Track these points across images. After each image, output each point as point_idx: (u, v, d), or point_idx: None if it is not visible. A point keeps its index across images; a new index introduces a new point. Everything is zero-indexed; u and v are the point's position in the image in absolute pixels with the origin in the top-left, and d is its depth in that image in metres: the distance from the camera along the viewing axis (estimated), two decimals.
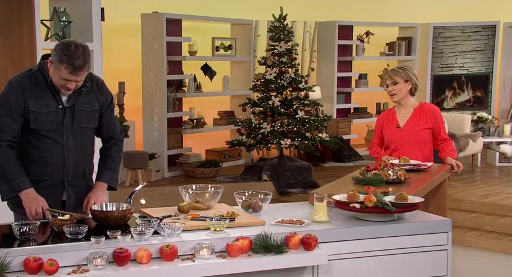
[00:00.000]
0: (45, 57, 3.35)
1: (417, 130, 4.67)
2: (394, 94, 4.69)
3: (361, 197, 3.30)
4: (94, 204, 3.30)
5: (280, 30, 8.22)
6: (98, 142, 3.58)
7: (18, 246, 2.78)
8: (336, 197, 3.33)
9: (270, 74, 8.11)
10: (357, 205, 3.23)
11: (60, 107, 3.31)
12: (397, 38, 10.96)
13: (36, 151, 3.31)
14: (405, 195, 3.34)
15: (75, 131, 3.36)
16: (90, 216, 3.25)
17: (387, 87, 4.73)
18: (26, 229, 2.86)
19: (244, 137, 8.14)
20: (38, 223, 2.90)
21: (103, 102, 3.47)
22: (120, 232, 2.84)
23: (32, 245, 2.79)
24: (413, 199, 3.35)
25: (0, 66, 5.38)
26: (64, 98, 3.32)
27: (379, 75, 10.81)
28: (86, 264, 2.70)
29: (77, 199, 3.42)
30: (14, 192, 3.26)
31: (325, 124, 8.41)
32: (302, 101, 8.13)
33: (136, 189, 3.44)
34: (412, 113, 4.72)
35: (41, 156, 3.31)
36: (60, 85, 3.25)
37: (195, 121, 8.93)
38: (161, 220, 3.07)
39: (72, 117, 3.34)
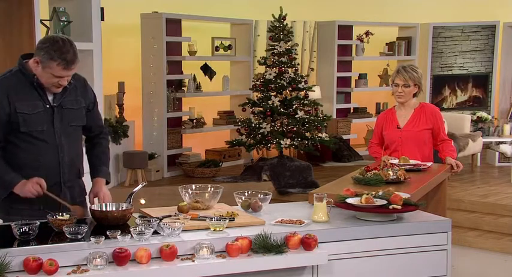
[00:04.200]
0: (24, 56, 3.27)
1: (417, 130, 4.67)
2: (402, 96, 4.67)
3: (376, 201, 3.29)
4: (104, 200, 3.31)
5: (279, 30, 8.22)
6: None
7: (18, 246, 2.77)
8: (350, 201, 3.30)
9: (270, 74, 8.11)
10: (398, 207, 3.22)
11: (48, 106, 3.22)
12: (397, 37, 10.96)
13: (28, 156, 3.21)
14: (392, 191, 3.35)
15: (66, 130, 3.29)
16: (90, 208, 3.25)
17: (395, 86, 4.68)
18: (25, 229, 2.85)
19: (244, 136, 8.13)
20: (38, 223, 2.90)
21: (89, 100, 3.42)
22: (119, 232, 2.84)
23: (32, 245, 2.78)
24: (401, 195, 3.35)
25: None
26: (50, 97, 3.23)
27: (378, 75, 10.81)
28: (86, 264, 2.69)
29: (72, 200, 3.37)
30: (7, 190, 3.19)
31: (325, 124, 8.41)
32: (302, 101, 8.13)
33: (136, 189, 3.44)
34: (412, 113, 4.72)
35: (33, 159, 3.22)
36: (51, 83, 3.16)
37: (194, 121, 8.93)
38: (161, 220, 3.06)
39: (61, 116, 3.27)
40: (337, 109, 10.20)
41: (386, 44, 10.75)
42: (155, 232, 2.93)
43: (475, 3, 11.20)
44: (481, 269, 5.81)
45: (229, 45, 9.29)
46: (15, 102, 3.15)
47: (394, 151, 4.69)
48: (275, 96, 8.06)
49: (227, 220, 3.06)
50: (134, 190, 3.41)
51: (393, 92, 4.73)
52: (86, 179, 3.52)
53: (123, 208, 3.17)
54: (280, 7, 8.23)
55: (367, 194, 3.30)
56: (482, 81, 10.98)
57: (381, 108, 10.70)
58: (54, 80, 3.15)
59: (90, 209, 3.18)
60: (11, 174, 3.18)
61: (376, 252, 3.19)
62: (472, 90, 10.97)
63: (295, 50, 8.39)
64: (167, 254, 2.79)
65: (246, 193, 3.53)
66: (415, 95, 4.73)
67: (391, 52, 10.71)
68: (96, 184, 3.43)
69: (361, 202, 3.26)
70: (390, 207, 3.23)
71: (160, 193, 7.05)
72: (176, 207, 3.33)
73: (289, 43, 8.27)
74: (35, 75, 3.18)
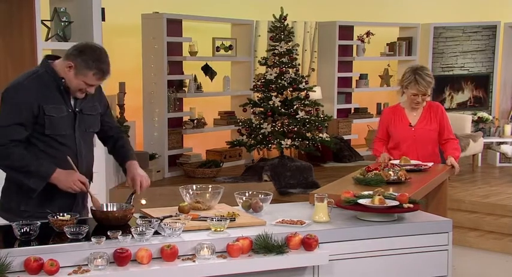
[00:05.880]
0: (49, 57, 3.28)
1: (430, 129, 4.69)
2: (420, 103, 4.69)
3: (393, 201, 3.30)
4: (141, 184, 3.35)
5: (280, 31, 8.22)
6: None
7: (19, 246, 2.77)
8: (363, 202, 3.29)
9: (271, 74, 8.11)
10: (411, 205, 3.27)
11: (70, 111, 3.24)
12: (398, 38, 10.96)
13: (49, 159, 3.20)
14: (383, 191, 3.35)
15: (83, 135, 3.32)
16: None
17: (414, 95, 4.65)
18: (26, 230, 2.85)
19: (244, 137, 8.14)
20: (39, 223, 2.90)
21: (104, 105, 3.47)
22: (120, 232, 2.84)
23: (33, 245, 2.79)
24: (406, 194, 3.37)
25: (0, 67, 5.39)
26: (72, 102, 3.25)
27: (379, 76, 10.80)
28: (87, 264, 2.70)
29: (82, 204, 3.41)
30: (45, 181, 3.16)
31: (326, 124, 8.41)
32: (302, 101, 8.13)
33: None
34: (422, 111, 4.73)
35: (54, 164, 3.20)
36: (79, 90, 3.19)
37: (195, 121, 8.93)
38: (162, 220, 3.07)
39: (81, 121, 3.29)
40: (337, 109, 10.19)
41: (387, 44, 10.74)
42: (156, 233, 2.93)
43: (476, 3, 11.20)
44: (481, 269, 5.81)
45: (230, 45, 9.29)
46: (43, 104, 3.15)
47: (407, 149, 4.68)
48: (276, 97, 8.06)
49: (228, 221, 3.06)
50: (134, 190, 3.41)
51: (410, 100, 4.70)
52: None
53: (124, 209, 3.17)
54: (281, 7, 8.23)
55: (379, 195, 3.30)
56: (483, 81, 10.97)
57: (382, 108, 10.69)
58: (83, 87, 3.18)
59: (91, 209, 3.18)
60: (43, 165, 3.16)
61: (377, 252, 3.19)
62: (472, 90, 10.97)
63: (296, 50, 8.38)
64: (168, 254, 2.79)
65: (247, 194, 3.53)
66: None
67: (392, 52, 10.71)
68: (131, 168, 3.45)
69: (373, 203, 3.25)
70: (405, 206, 3.24)
71: (161, 193, 7.05)
72: (177, 207, 3.33)
73: (290, 43, 8.27)
74: (62, 79, 3.18)
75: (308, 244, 2.97)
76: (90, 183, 3.41)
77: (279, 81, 8.06)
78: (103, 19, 6.21)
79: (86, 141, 3.35)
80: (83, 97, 3.24)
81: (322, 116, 8.26)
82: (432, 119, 4.72)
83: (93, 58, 3.11)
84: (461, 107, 10.89)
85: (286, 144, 7.91)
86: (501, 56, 10.96)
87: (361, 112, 10.51)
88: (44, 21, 5.54)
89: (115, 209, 3.20)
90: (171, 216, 3.21)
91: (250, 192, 3.56)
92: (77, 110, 3.26)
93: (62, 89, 3.20)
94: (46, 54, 3.37)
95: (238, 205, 3.49)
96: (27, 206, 3.25)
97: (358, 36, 10.28)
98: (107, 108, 3.50)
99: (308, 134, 8.02)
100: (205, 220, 3.12)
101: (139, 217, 3.20)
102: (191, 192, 3.45)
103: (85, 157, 3.34)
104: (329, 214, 3.27)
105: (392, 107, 4.92)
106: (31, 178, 3.16)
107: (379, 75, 10.81)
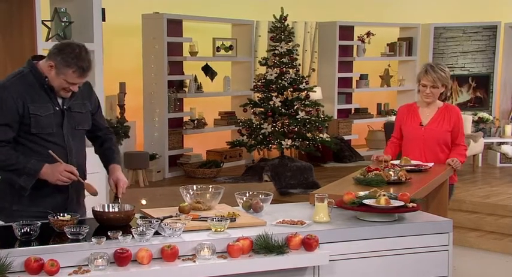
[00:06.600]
0: (34, 58, 3.31)
1: (441, 131, 4.64)
2: (430, 96, 4.65)
3: (397, 201, 3.30)
4: (122, 189, 3.36)
5: (281, 31, 8.23)
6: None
7: (19, 246, 2.77)
8: (368, 202, 3.29)
9: (271, 75, 8.11)
10: (415, 205, 3.29)
11: (57, 109, 3.26)
12: (398, 38, 10.96)
13: (38, 157, 3.21)
14: (379, 192, 3.34)
15: (73, 133, 3.33)
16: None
17: (423, 86, 4.63)
18: (26, 230, 2.85)
19: (245, 137, 8.14)
20: (39, 223, 2.90)
21: (94, 104, 3.47)
22: (121, 232, 2.83)
23: (33, 245, 2.78)
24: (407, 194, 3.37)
25: (0, 67, 5.38)
26: (60, 100, 3.27)
27: (380, 76, 10.81)
28: (87, 265, 2.69)
29: (77, 201, 3.41)
30: (34, 178, 3.18)
31: (326, 124, 8.42)
32: (303, 102, 8.14)
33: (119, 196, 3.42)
34: (436, 111, 4.69)
35: (43, 161, 3.21)
36: (62, 88, 3.21)
37: (195, 121, 8.94)
38: (162, 220, 3.06)
39: (70, 119, 3.30)
40: (338, 109, 10.19)
41: (388, 44, 10.75)
42: (156, 233, 2.93)
43: (476, 3, 11.19)
44: (482, 270, 5.81)
45: (230, 45, 9.30)
46: (28, 103, 3.17)
47: (414, 149, 4.65)
48: (276, 97, 8.06)
49: (228, 221, 3.06)
50: (117, 195, 3.40)
51: (420, 92, 4.69)
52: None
53: (127, 210, 3.17)
54: (281, 8, 8.23)
55: (384, 195, 3.29)
56: (484, 81, 10.97)
57: (382, 108, 10.70)
58: (65, 86, 3.19)
59: (93, 210, 3.18)
60: (30, 162, 3.18)
61: (378, 253, 3.19)
62: (473, 90, 10.97)
63: (296, 50, 8.39)
64: (168, 255, 2.79)
65: (247, 194, 3.53)
66: (445, 98, 4.71)
67: (392, 53, 10.71)
68: (113, 170, 3.46)
69: (378, 204, 3.24)
70: (410, 205, 3.24)
71: (161, 193, 7.06)
72: (177, 207, 3.33)
73: (290, 44, 8.28)
74: (46, 78, 3.21)
75: (308, 244, 2.97)
76: (84, 180, 3.41)
77: (280, 81, 8.06)
78: (103, 19, 6.21)
79: (75, 139, 3.35)
80: (68, 96, 3.26)
81: (322, 116, 8.26)
82: (445, 120, 4.66)
83: (72, 56, 3.12)
84: (462, 107, 10.84)
85: (287, 144, 7.91)
86: (501, 56, 10.96)
87: (362, 112, 10.51)
88: (44, 21, 5.54)
89: (117, 210, 3.20)
90: (171, 216, 3.20)
91: (250, 193, 3.55)
92: (64, 107, 3.28)
93: (47, 88, 3.22)
94: (32, 55, 3.37)
95: (238, 206, 3.48)
96: (19, 205, 3.26)
97: (358, 37, 10.28)
98: (97, 108, 3.51)
99: (308, 134, 8.03)
100: (206, 221, 3.11)
101: (140, 217, 3.20)
102: (191, 192, 3.45)
103: (75, 155, 3.34)
104: (329, 215, 3.27)
105: (407, 105, 4.87)
106: (21, 177, 3.19)
107: (380, 76, 10.82)
